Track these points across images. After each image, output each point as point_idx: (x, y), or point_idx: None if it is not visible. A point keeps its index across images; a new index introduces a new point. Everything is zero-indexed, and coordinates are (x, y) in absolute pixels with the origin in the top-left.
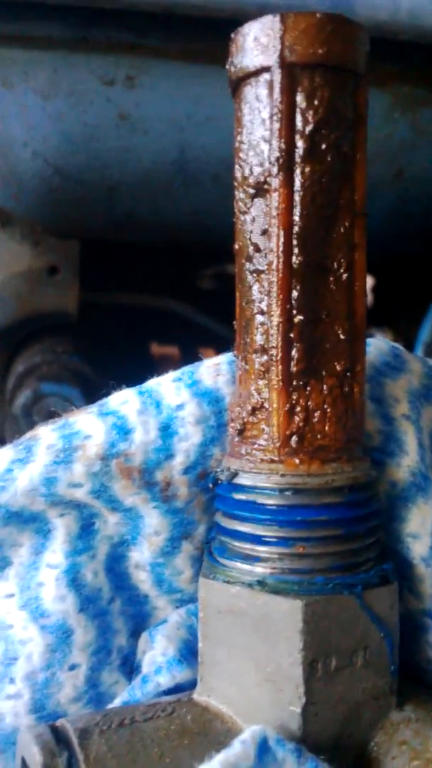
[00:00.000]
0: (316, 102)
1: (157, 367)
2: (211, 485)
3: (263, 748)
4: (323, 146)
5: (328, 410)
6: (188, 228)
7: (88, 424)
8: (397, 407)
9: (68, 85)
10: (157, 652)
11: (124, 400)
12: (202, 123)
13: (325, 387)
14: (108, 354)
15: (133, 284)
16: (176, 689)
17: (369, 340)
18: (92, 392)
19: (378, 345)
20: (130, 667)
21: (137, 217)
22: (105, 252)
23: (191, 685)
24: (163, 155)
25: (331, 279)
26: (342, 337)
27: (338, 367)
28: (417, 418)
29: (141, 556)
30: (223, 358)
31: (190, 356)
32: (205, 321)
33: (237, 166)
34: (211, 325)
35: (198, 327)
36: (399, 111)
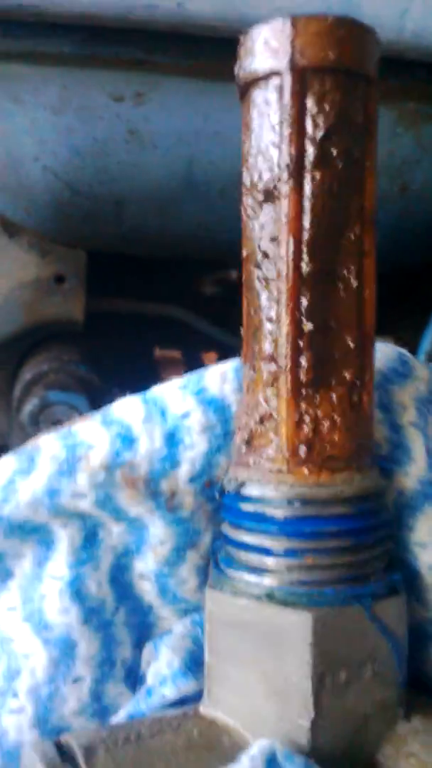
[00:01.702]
0: (327, 107)
1: (160, 370)
2: (217, 495)
3: (271, 762)
4: (334, 152)
5: (338, 420)
6: (194, 240)
7: (92, 433)
8: (404, 415)
9: (78, 101)
10: (161, 664)
11: (128, 409)
12: (209, 138)
13: (334, 396)
14: (113, 361)
15: (138, 292)
16: (182, 701)
17: (377, 346)
18: (98, 399)
19: (385, 351)
20: (134, 679)
21: (144, 230)
22: (111, 261)
23: (197, 696)
24: (171, 170)
25: (341, 287)
26: (351, 345)
27: (348, 376)
28: (425, 426)
29: (145, 566)
30: (230, 365)
31: (192, 362)
32: (207, 327)
33: (245, 172)
34: (213, 331)
35: (201, 333)
36: (403, 127)
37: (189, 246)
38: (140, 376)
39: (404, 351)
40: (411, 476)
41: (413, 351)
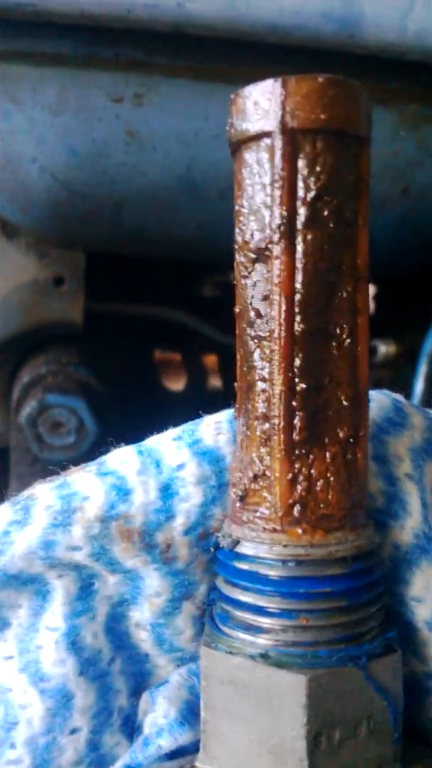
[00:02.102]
0: (318, 168)
1: (160, 373)
2: (212, 549)
3: None
4: (325, 213)
5: (332, 478)
6: (193, 242)
7: (87, 484)
8: (400, 466)
9: (77, 102)
10: (158, 714)
11: (123, 460)
12: (209, 140)
13: (328, 455)
14: (112, 364)
15: (137, 294)
16: (178, 752)
17: (370, 394)
18: (97, 403)
19: (380, 400)
20: (131, 728)
21: (143, 232)
22: (110, 263)
23: (194, 746)
24: (171, 171)
25: (334, 345)
26: (345, 403)
27: (341, 434)
28: (420, 477)
29: (141, 615)
30: (224, 416)
31: (193, 364)
32: (207, 330)
33: (238, 230)
34: (213, 333)
35: (201, 336)
36: (405, 129)
37: (189, 248)
38: (139, 379)
39: (399, 397)
40: (407, 530)
41: (416, 353)
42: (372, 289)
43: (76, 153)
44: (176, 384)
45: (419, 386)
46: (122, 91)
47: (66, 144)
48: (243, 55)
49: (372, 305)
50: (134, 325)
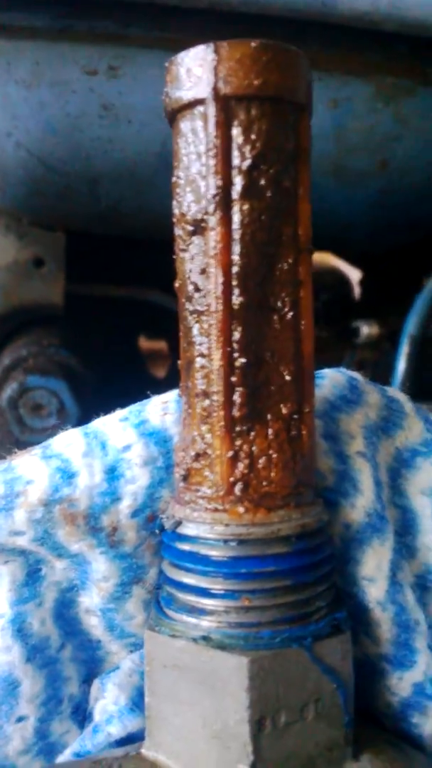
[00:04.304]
0: (253, 136)
1: (145, 360)
2: (158, 531)
3: None
4: (262, 182)
5: (274, 456)
6: (171, 220)
7: (31, 467)
8: (351, 444)
9: (51, 75)
10: (108, 701)
11: (68, 442)
12: None
13: (270, 431)
14: (95, 346)
15: (121, 276)
16: (128, 739)
17: (325, 372)
18: (79, 385)
19: (334, 377)
20: (83, 715)
21: (121, 209)
22: (91, 244)
23: (144, 733)
24: (147, 146)
25: (275, 318)
26: (288, 378)
27: (284, 410)
28: (373, 455)
29: (91, 601)
30: (171, 396)
31: (178, 349)
32: None
33: (175, 202)
34: None
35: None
36: (382, 102)
37: (169, 227)
38: (122, 361)
39: (356, 375)
40: (358, 508)
41: (398, 335)
42: (357, 274)
43: (52, 127)
44: (161, 371)
45: (401, 366)
46: (96, 63)
47: (41, 118)
48: (217, 25)
49: (357, 288)
50: (118, 307)
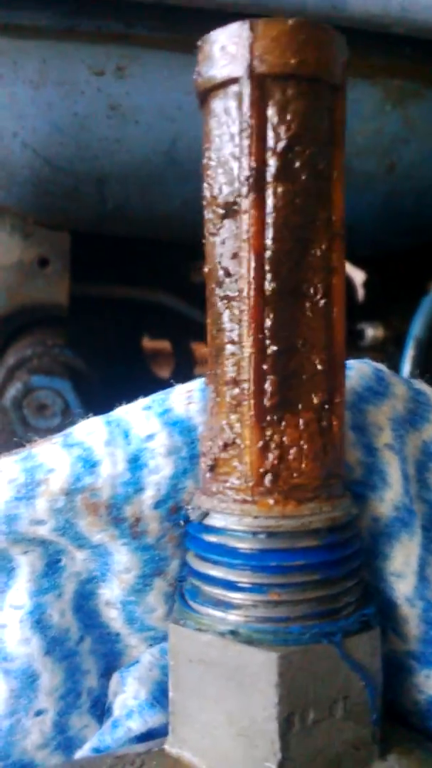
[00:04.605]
0: (289, 116)
1: (148, 361)
2: (182, 522)
3: None
4: (297, 164)
5: (305, 446)
6: (179, 220)
7: (52, 456)
8: (380, 436)
9: (58, 75)
10: (128, 695)
11: (90, 431)
12: (193, 114)
13: (301, 421)
14: (99, 346)
15: (125, 277)
16: (148, 734)
17: (350, 363)
18: (83, 385)
19: (360, 368)
20: (101, 709)
21: (128, 209)
22: (96, 244)
23: (165, 729)
24: (154, 146)
25: (308, 305)
26: (319, 367)
27: (315, 400)
28: (401, 447)
29: (111, 593)
30: (196, 385)
31: (182, 350)
32: (197, 315)
33: (206, 185)
34: (203, 318)
35: (190, 321)
36: (390, 105)
37: (175, 227)
38: (127, 362)
39: (382, 367)
40: (386, 502)
41: (403, 337)
42: (361, 276)
43: (58, 127)
44: (164, 371)
45: (406, 369)
46: (104, 63)
47: (48, 118)
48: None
49: (361, 291)
50: (122, 307)
